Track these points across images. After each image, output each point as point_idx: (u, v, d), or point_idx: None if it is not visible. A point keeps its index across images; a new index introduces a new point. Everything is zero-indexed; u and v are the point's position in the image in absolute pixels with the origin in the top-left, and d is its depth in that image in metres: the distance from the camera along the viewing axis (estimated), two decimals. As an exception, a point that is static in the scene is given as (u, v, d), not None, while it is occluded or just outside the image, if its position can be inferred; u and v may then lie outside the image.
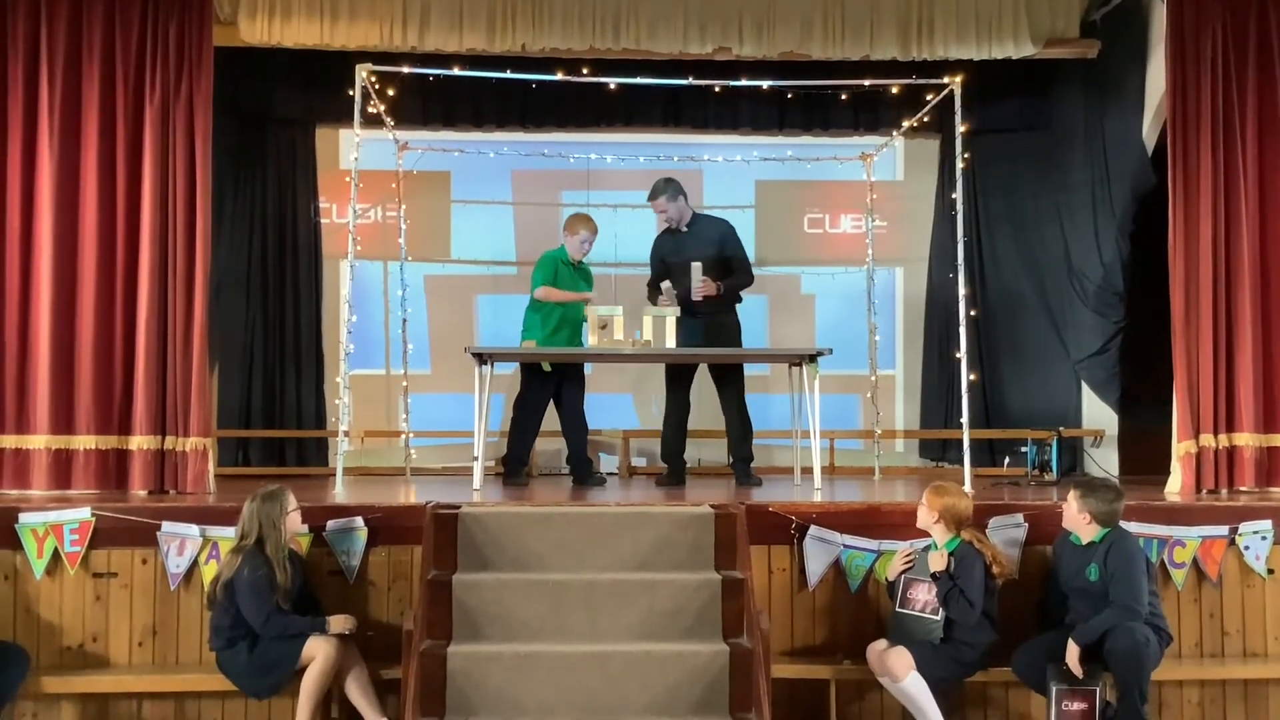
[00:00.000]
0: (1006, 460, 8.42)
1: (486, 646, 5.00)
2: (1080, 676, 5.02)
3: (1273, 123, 6.93)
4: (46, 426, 6.46)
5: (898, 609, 5.39)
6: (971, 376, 6.90)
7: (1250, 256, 6.85)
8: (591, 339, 6.95)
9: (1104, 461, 8.75)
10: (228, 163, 8.70)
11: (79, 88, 6.59)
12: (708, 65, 7.80)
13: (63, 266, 6.51)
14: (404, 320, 8.55)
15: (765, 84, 7.56)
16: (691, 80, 7.36)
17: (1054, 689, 5.06)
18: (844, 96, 8.41)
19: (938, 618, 5.21)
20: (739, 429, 7.33)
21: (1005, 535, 5.69)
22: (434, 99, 8.86)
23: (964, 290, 6.94)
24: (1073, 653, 5.02)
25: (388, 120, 7.84)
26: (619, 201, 9.00)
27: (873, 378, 8.61)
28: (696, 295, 7.18)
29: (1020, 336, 9.24)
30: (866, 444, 8.89)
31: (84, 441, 6.48)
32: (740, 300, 7.50)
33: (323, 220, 9.22)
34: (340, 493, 6.49)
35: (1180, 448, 6.80)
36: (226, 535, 5.49)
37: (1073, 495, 5.31)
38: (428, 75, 7.37)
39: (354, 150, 6.88)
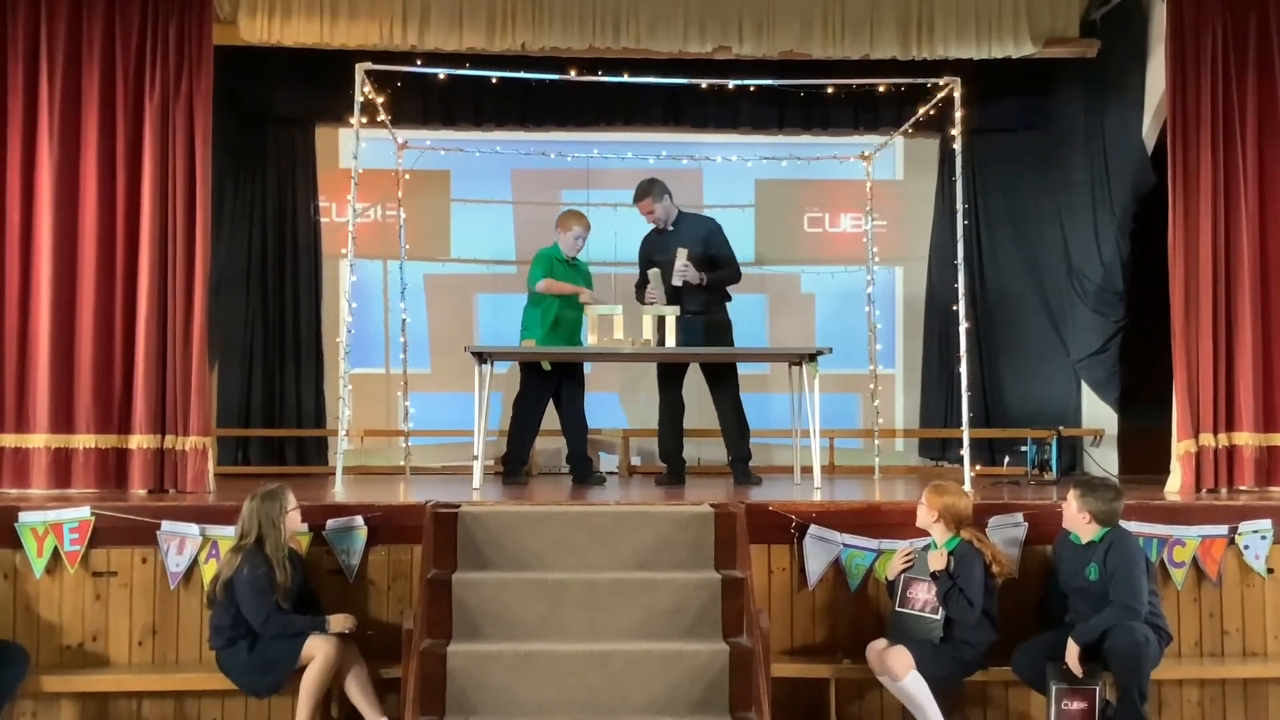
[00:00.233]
0: (1006, 459, 8.42)
1: (486, 645, 5.00)
2: (1080, 676, 5.02)
3: (1273, 122, 6.93)
4: (46, 425, 6.47)
5: (897, 608, 5.39)
6: (971, 376, 6.90)
7: (1250, 256, 6.85)
8: (591, 338, 6.95)
9: (1104, 461, 8.75)
10: (227, 161, 8.70)
11: (79, 86, 6.59)
12: (708, 64, 7.80)
13: (62, 265, 6.51)
14: (404, 319, 8.55)
15: (765, 83, 7.56)
16: (691, 80, 7.37)
17: (1054, 688, 5.06)
18: (844, 96, 8.40)
19: (937, 617, 5.22)
20: (735, 428, 7.33)
21: (1005, 534, 5.69)
22: (434, 98, 8.86)
23: (963, 289, 6.94)
24: (1072, 652, 5.02)
25: (387, 119, 7.83)
26: (619, 200, 8.97)
27: (872, 377, 8.61)
28: (677, 280, 7.16)
29: (1020, 336, 9.24)
30: (866, 443, 8.89)
31: (84, 440, 6.49)
32: (730, 299, 7.50)
33: (322, 219, 9.22)
34: (340, 492, 6.49)
35: (1180, 447, 6.80)
36: (226, 534, 5.49)
37: (1072, 494, 5.31)
38: (427, 74, 7.37)
39: (354, 149, 6.87)
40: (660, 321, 6.93)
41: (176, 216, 6.58)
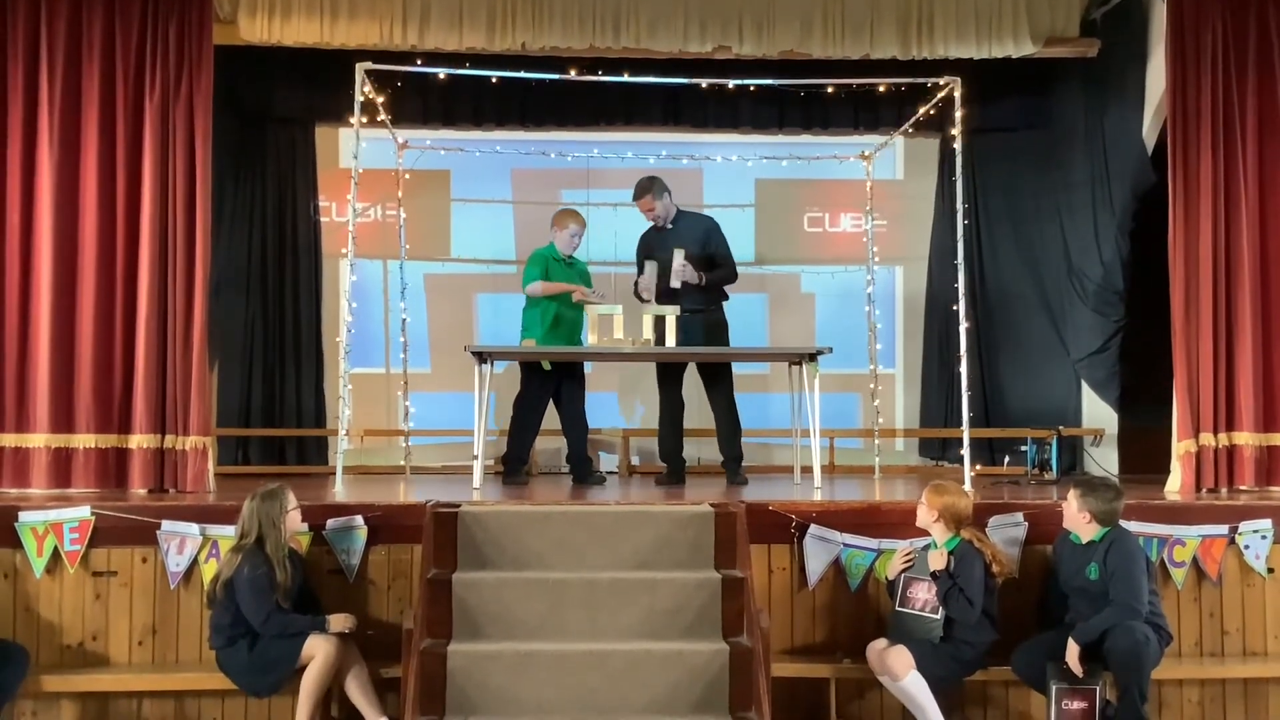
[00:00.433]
0: (1006, 459, 8.42)
1: (486, 645, 5.00)
2: (1080, 675, 5.02)
3: (1273, 121, 6.93)
4: (46, 425, 6.47)
5: (897, 608, 5.39)
6: (971, 375, 6.90)
7: (1250, 255, 6.85)
8: (591, 338, 6.95)
9: (1104, 460, 8.75)
10: (228, 161, 8.70)
11: (79, 86, 6.59)
12: (708, 64, 7.80)
13: (62, 265, 6.51)
14: (404, 319, 8.55)
15: (765, 83, 7.56)
16: (691, 79, 7.37)
17: (1054, 688, 5.06)
18: (844, 95, 8.40)
19: (937, 616, 5.22)
20: (727, 427, 7.34)
21: (1005, 534, 5.69)
22: (434, 98, 8.86)
23: (964, 289, 6.94)
24: (1073, 652, 5.02)
25: (387, 119, 7.83)
26: (619, 200, 8.97)
27: (873, 377, 8.61)
28: (675, 281, 7.17)
29: (1020, 335, 9.24)
30: (866, 443, 8.89)
31: (84, 440, 6.49)
32: (727, 298, 7.50)
33: (322, 219, 9.22)
34: (340, 491, 6.49)
35: (1180, 447, 6.80)
36: (226, 534, 5.49)
37: (1072, 494, 5.31)
38: (428, 74, 7.37)
39: (354, 149, 6.87)
40: (660, 321, 6.93)
41: (177, 216, 6.58)
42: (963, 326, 6.86)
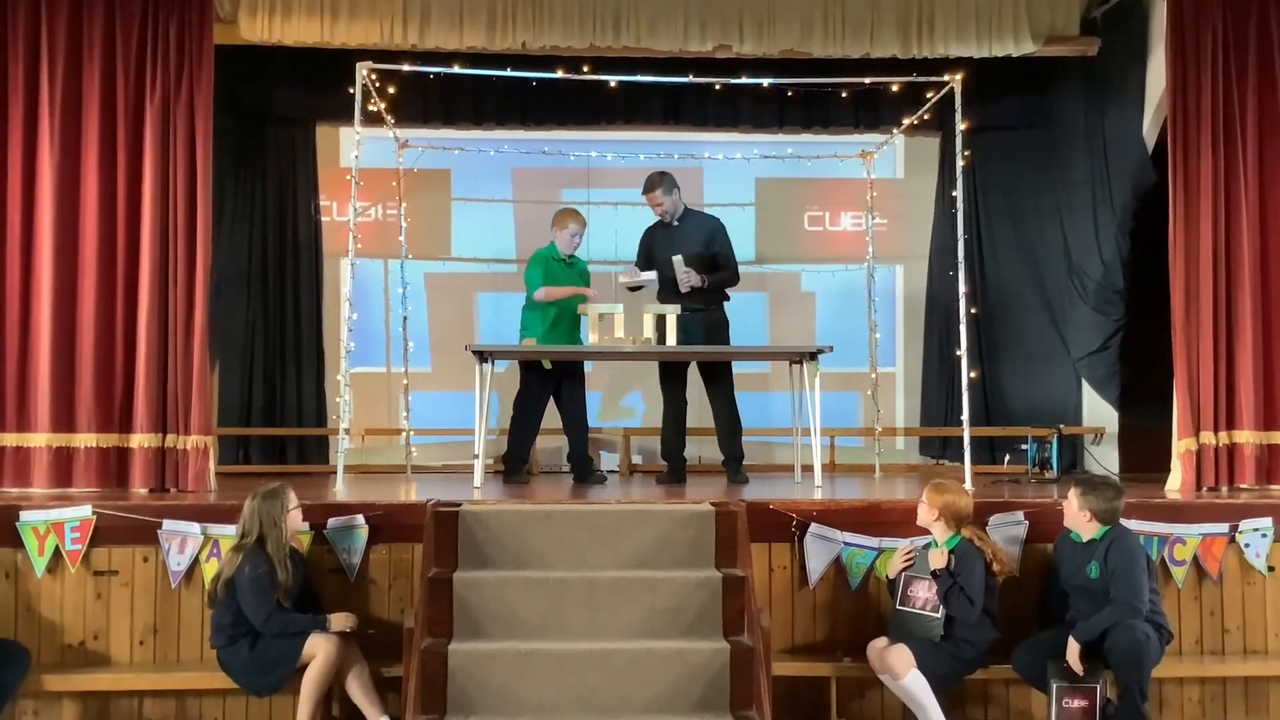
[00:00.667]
0: (1007, 458, 8.41)
1: (487, 644, 5.00)
2: (1081, 674, 5.03)
3: (1273, 120, 6.93)
4: (47, 424, 6.47)
5: (898, 606, 5.39)
6: (972, 374, 6.91)
7: (1251, 254, 6.86)
8: (591, 336, 6.95)
9: (1104, 459, 8.74)
10: (228, 161, 8.69)
11: (79, 86, 6.59)
12: (708, 63, 7.80)
13: (63, 264, 6.52)
14: (404, 318, 8.55)
15: (766, 82, 7.57)
16: (692, 78, 7.37)
17: (1054, 686, 5.06)
18: (844, 94, 8.40)
19: (938, 615, 5.22)
20: (728, 426, 7.34)
21: (1006, 533, 5.69)
22: (434, 97, 8.86)
23: (964, 288, 6.94)
24: (1073, 650, 5.02)
25: (388, 118, 7.84)
26: (619, 199, 9.00)
27: (873, 375, 8.62)
28: (684, 288, 7.19)
29: (1020, 334, 9.24)
30: (867, 441, 8.89)
31: (85, 439, 6.49)
32: (728, 298, 7.51)
33: (323, 218, 9.22)
34: (341, 490, 6.49)
35: (1180, 445, 6.80)
36: (227, 533, 5.50)
37: (1073, 493, 5.31)
38: (428, 73, 7.37)
39: (354, 148, 6.88)
40: (660, 320, 6.93)
41: (177, 216, 6.58)
42: (963, 325, 6.86)
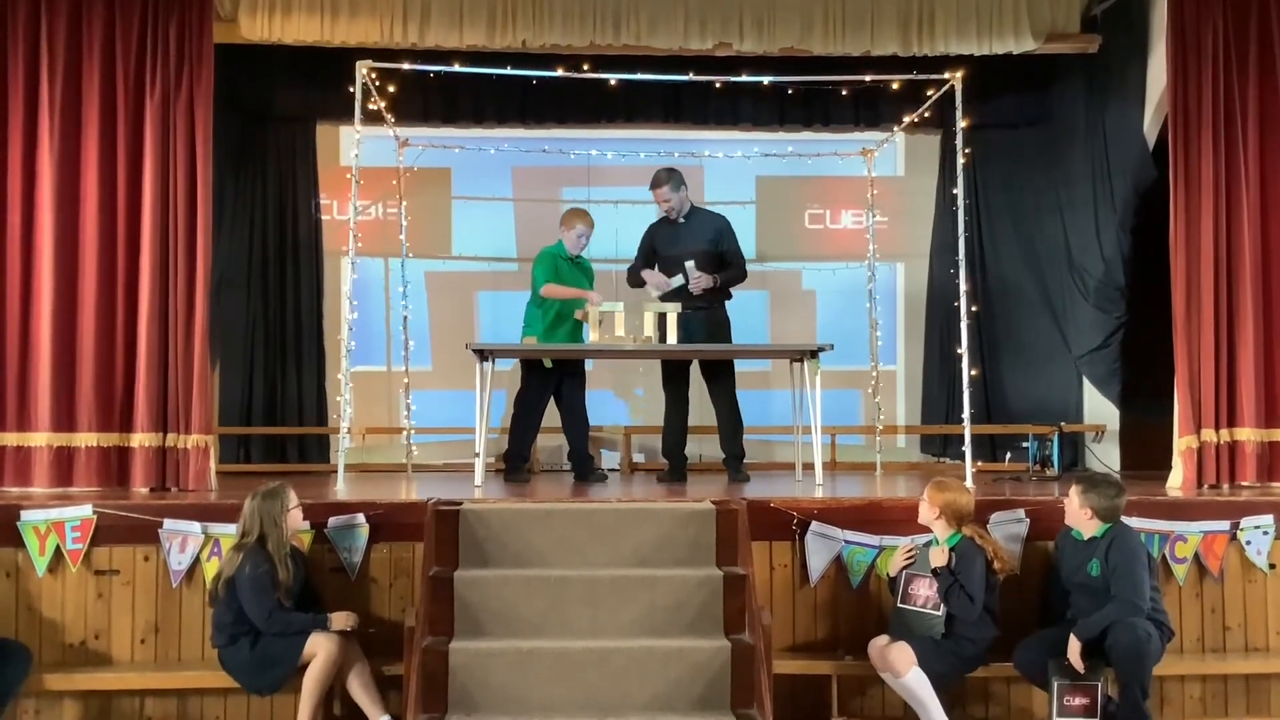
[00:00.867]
0: (1008, 455, 8.41)
1: (488, 643, 5.00)
2: (1082, 672, 5.03)
3: (1274, 117, 6.93)
4: (48, 424, 6.47)
5: (899, 604, 5.39)
6: (972, 372, 6.91)
7: (1251, 251, 6.85)
8: (593, 335, 6.95)
9: (1105, 457, 8.74)
10: (228, 160, 8.69)
11: (79, 85, 6.59)
12: (708, 61, 7.80)
13: (64, 264, 6.51)
14: (405, 317, 8.55)
15: (766, 79, 7.56)
16: (692, 76, 7.37)
17: (1055, 684, 5.06)
18: (845, 92, 8.40)
19: (939, 613, 5.22)
20: (729, 424, 7.34)
21: (1006, 530, 5.69)
22: (434, 95, 8.85)
23: (965, 285, 6.94)
24: (1074, 648, 5.02)
25: (388, 117, 7.83)
26: (620, 197, 9.00)
27: (874, 373, 8.61)
28: (696, 290, 7.19)
29: (1021, 331, 9.23)
30: (868, 439, 8.88)
31: (85, 439, 6.49)
32: (730, 296, 7.51)
33: (323, 217, 9.22)
34: (342, 489, 6.49)
35: (1181, 443, 6.79)
36: (228, 532, 5.50)
37: (1074, 490, 5.31)
38: (428, 72, 7.37)
39: (354, 147, 6.87)
40: (661, 318, 6.93)
41: (177, 215, 6.58)
42: (964, 323, 6.86)
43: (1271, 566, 5.83)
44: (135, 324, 6.54)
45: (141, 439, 6.51)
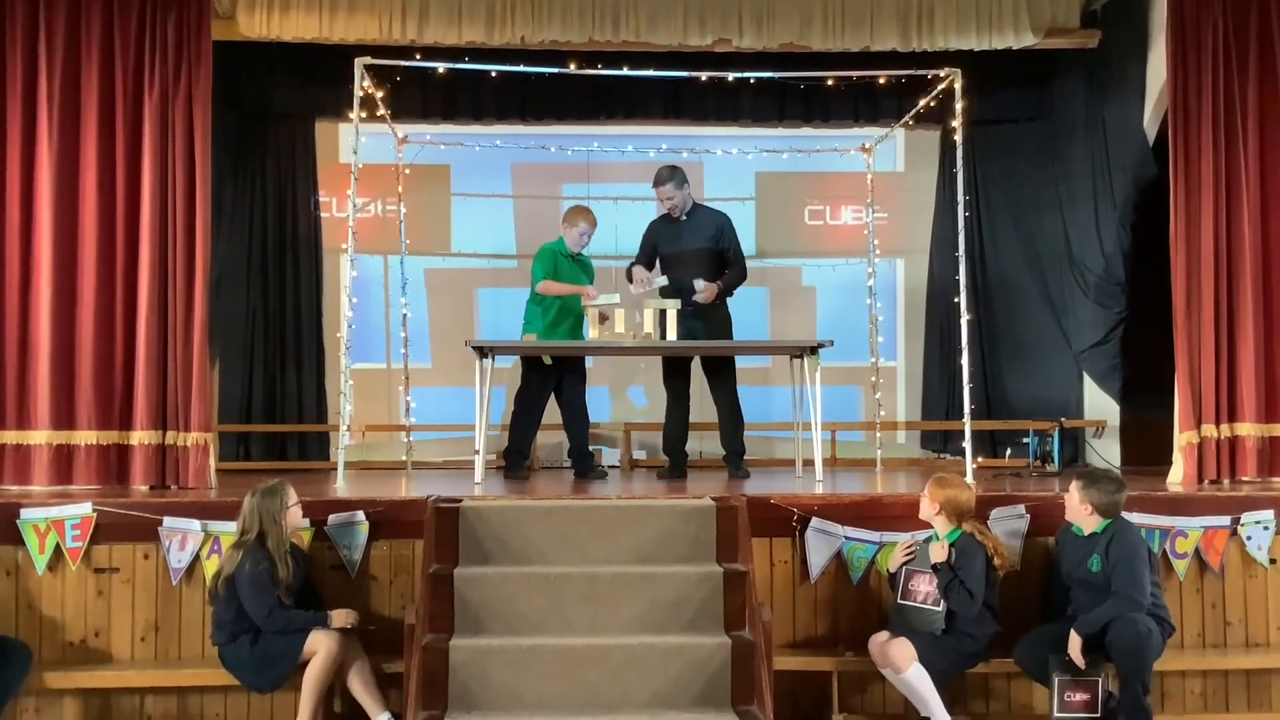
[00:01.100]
0: (1008, 451, 8.41)
1: (488, 640, 5.00)
2: (1082, 667, 5.03)
3: (1274, 112, 6.92)
4: (47, 422, 6.47)
5: (899, 600, 5.38)
6: (972, 368, 6.90)
7: (1252, 246, 6.85)
8: (592, 332, 6.95)
9: (1106, 452, 8.74)
10: (227, 157, 8.68)
11: (78, 82, 6.58)
12: (707, 57, 7.79)
13: (62, 261, 6.51)
14: (404, 314, 8.54)
15: (764, 75, 7.55)
16: (691, 72, 7.35)
17: (1056, 680, 5.07)
18: (844, 88, 8.39)
19: (939, 609, 5.21)
20: (730, 421, 7.34)
21: (1007, 526, 5.69)
22: (433, 92, 8.84)
23: (965, 281, 6.94)
24: (1075, 644, 5.02)
25: (387, 114, 7.82)
26: (619, 194, 8.99)
27: (874, 369, 8.61)
28: (704, 301, 7.20)
29: (1021, 327, 9.23)
30: (868, 435, 8.88)
31: (85, 437, 6.49)
32: (731, 294, 7.50)
33: (322, 214, 9.21)
34: (341, 487, 6.48)
35: (1182, 438, 6.79)
36: (228, 530, 5.49)
37: (1074, 486, 5.30)
38: (427, 69, 7.36)
39: (353, 144, 6.87)
40: (661, 315, 6.93)
41: (176, 212, 6.58)
42: (964, 319, 6.85)
43: (1272, 561, 5.82)
44: (134, 322, 6.54)
45: (141, 437, 6.51)
